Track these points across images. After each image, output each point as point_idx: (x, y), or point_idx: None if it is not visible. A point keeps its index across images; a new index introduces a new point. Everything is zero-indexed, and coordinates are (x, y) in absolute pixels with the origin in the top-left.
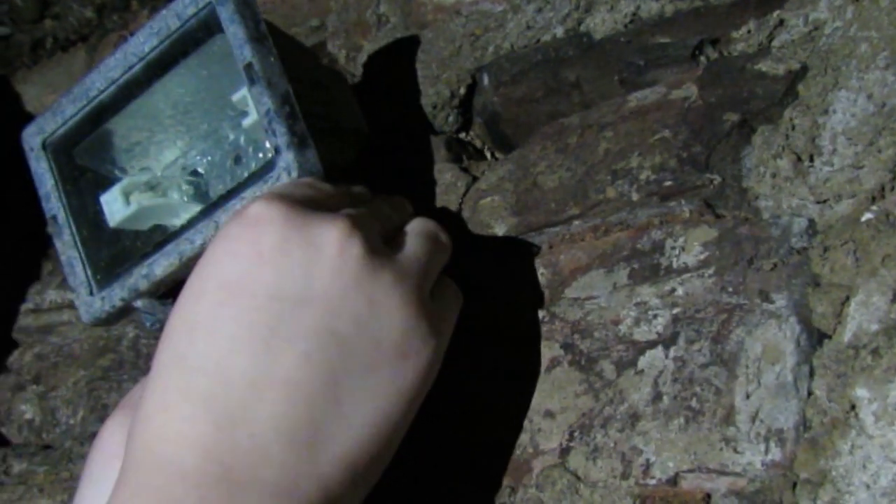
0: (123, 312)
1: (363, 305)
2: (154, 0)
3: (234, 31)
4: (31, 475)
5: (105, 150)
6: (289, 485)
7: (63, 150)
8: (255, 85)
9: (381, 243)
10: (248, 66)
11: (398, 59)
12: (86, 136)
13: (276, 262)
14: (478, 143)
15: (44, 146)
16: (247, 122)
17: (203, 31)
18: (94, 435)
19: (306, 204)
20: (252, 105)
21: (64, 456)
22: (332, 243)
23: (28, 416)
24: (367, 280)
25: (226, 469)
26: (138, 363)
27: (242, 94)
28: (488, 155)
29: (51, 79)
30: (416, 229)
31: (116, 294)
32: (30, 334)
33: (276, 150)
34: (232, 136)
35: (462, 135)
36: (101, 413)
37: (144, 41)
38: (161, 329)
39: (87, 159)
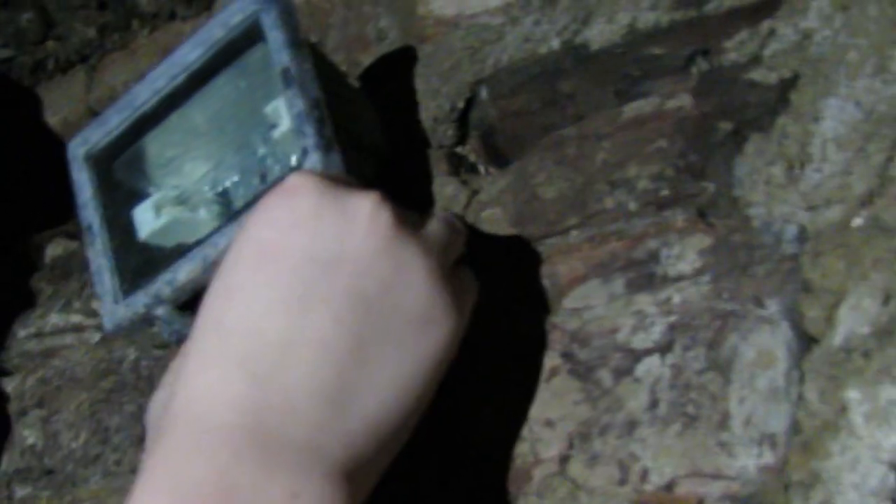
0: (145, 321)
1: (391, 270)
2: (155, 19)
3: (275, 36)
4: (34, 500)
5: (141, 165)
6: (317, 442)
7: (104, 162)
8: (289, 87)
9: (409, 218)
10: (285, 70)
11: (399, 73)
12: (127, 147)
13: (310, 227)
14: (472, 157)
15: (86, 157)
16: (277, 132)
17: (245, 40)
18: (96, 458)
19: (339, 182)
20: (284, 113)
21: (67, 480)
22: (365, 210)
23: (30, 441)
24: (395, 246)
25: (258, 425)
26: (139, 385)
27: (275, 106)
28: (482, 169)
29: (49, 101)
30: (436, 215)
31: (140, 301)
32: (32, 358)
33: (304, 152)
34: (261, 151)
35: (459, 148)
36: (102, 436)
37: (190, 51)
38: (179, 340)
39: (124, 174)
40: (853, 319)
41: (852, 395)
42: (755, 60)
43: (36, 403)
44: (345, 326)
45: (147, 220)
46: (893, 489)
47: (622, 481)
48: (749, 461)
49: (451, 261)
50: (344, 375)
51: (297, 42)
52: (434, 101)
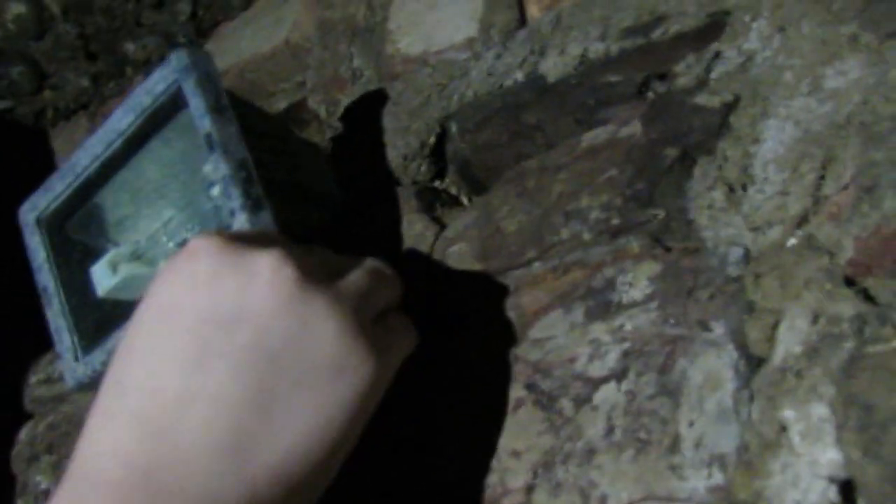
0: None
1: (295, 323)
2: (147, 65)
3: (196, 104)
4: None
5: (95, 223)
6: (215, 492)
7: (55, 225)
8: (213, 152)
9: (318, 272)
10: (208, 136)
11: (371, 112)
12: (76, 210)
13: (209, 287)
14: (453, 190)
15: (37, 222)
16: (214, 191)
17: (173, 105)
18: None
19: (247, 240)
20: (210, 168)
21: None
22: (265, 268)
23: (43, 486)
24: (299, 300)
25: (148, 480)
26: None
27: (210, 166)
28: (465, 200)
29: (56, 147)
30: (359, 264)
31: (97, 358)
32: (43, 404)
33: (231, 213)
34: (209, 206)
35: (437, 182)
36: None
37: (122, 118)
38: None
39: (80, 233)
40: (788, 339)
41: (788, 414)
42: (701, 84)
43: (46, 449)
44: (242, 380)
45: (104, 277)
46: (833, 502)
47: None
48: (699, 482)
49: (374, 310)
50: (242, 425)
51: (219, 107)
52: (403, 139)
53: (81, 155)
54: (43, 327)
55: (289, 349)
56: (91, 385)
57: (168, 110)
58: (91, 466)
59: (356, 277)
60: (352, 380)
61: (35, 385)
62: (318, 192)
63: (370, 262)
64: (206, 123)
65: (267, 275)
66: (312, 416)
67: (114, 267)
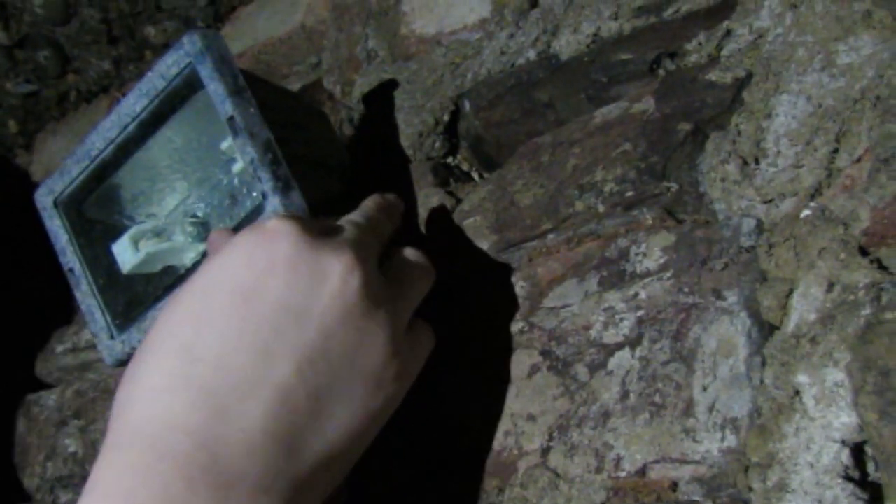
0: None
1: (353, 336)
2: (165, 49)
3: (215, 88)
4: None
5: (112, 201)
6: (268, 480)
7: (73, 207)
8: (238, 136)
9: (378, 273)
10: (231, 120)
11: (387, 91)
12: (92, 191)
13: (286, 275)
14: (465, 166)
15: (55, 205)
16: (236, 167)
17: (188, 87)
18: None
19: (320, 231)
20: (236, 150)
21: None
22: (336, 273)
23: (71, 449)
24: (360, 314)
25: (215, 459)
26: None
27: (230, 143)
28: (476, 176)
29: (78, 129)
30: (406, 260)
31: (135, 337)
32: (70, 372)
33: (264, 196)
34: (226, 180)
35: (450, 159)
36: None
37: (136, 102)
38: None
39: (96, 212)
40: (802, 307)
41: (802, 379)
42: (713, 61)
43: (74, 414)
44: (304, 379)
45: (127, 254)
46: (846, 465)
47: (598, 469)
48: (712, 445)
49: (412, 309)
50: (297, 422)
51: (238, 89)
52: (418, 117)
53: (96, 139)
54: (58, 301)
55: (345, 356)
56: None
57: (183, 93)
58: (157, 431)
59: (403, 279)
60: (387, 392)
61: (61, 354)
62: (332, 162)
63: (415, 258)
64: (227, 108)
65: (337, 279)
66: (351, 420)
67: (135, 243)
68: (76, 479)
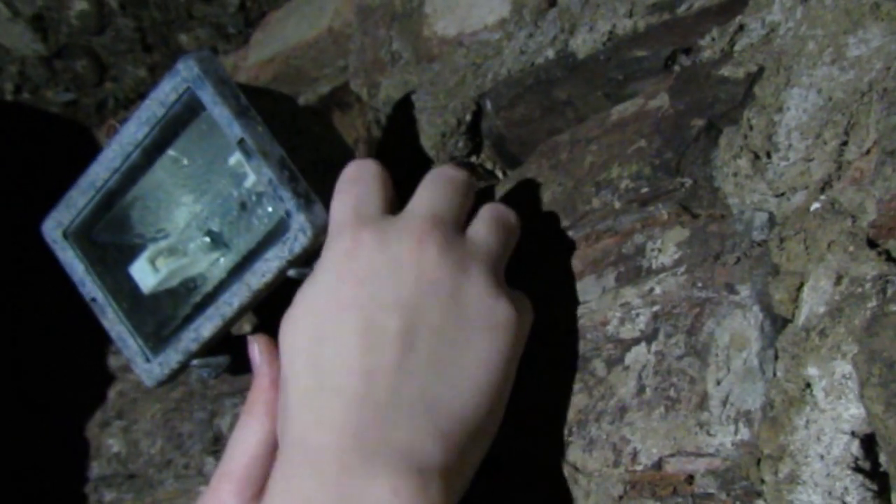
0: (181, 370)
1: (448, 295)
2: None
3: (220, 112)
4: (121, 503)
5: (122, 223)
6: (412, 444)
7: (83, 235)
8: (251, 159)
9: (456, 232)
10: (241, 142)
11: (411, 93)
12: (100, 219)
13: (371, 280)
14: (489, 165)
15: (65, 236)
16: (248, 183)
17: (188, 112)
18: (169, 462)
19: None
20: (249, 170)
21: (146, 483)
22: (410, 250)
23: (115, 449)
24: (448, 272)
25: (356, 438)
26: (206, 393)
27: (237, 158)
28: (500, 174)
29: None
30: (487, 216)
31: (172, 358)
32: (113, 373)
33: (288, 214)
34: (236, 194)
35: (473, 158)
36: (177, 441)
37: (136, 130)
38: (217, 375)
39: (107, 235)
40: (812, 300)
41: (812, 371)
42: (726, 56)
43: (116, 415)
44: (416, 353)
45: (146, 275)
46: (856, 456)
47: (615, 463)
48: (726, 438)
49: (504, 261)
50: (426, 389)
51: (242, 109)
52: (441, 118)
53: (99, 169)
54: None
55: (446, 319)
56: (170, 380)
57: (184, 117)
58: (308, 436)
59: (488, 233)
60: (501, 333)
61: (106, 355)
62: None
63: (497, 211)
64: (236, 130)
65: (412, 256)
66: (479, 369)
67: (153, 263)
68: (119, 478)
